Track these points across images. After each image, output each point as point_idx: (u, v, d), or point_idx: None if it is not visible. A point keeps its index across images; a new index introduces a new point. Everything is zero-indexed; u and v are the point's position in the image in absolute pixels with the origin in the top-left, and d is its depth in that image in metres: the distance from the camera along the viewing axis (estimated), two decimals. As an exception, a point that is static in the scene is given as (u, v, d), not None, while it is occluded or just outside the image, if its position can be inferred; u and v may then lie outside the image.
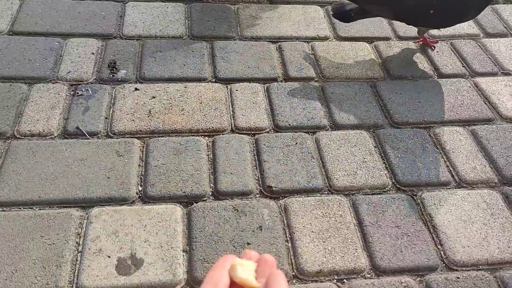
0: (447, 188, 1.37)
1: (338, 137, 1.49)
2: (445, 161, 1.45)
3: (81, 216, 1.21)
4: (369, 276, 1.16)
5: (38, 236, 1.16)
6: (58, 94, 1.53)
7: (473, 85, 1.74)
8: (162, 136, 1.44)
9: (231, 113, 1.54)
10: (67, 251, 1.14)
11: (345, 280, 1.14)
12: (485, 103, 1.66)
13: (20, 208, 1.22)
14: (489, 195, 1.36)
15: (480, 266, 1.19)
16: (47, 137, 1.40)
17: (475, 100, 1.67)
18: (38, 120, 1.44)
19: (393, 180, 1.38)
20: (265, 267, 0.47)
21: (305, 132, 1.51)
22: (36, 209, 1.22)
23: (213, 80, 1.66)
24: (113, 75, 1.62)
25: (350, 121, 1.55)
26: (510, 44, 1.94)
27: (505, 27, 2.03)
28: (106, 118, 1.48)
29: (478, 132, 1.55)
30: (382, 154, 1.45)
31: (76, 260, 1.12)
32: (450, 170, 1.42)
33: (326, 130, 1.52)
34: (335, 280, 1.14)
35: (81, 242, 1.16)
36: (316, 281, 1.14)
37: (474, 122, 1.59)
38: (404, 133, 1.53)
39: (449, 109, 1.63)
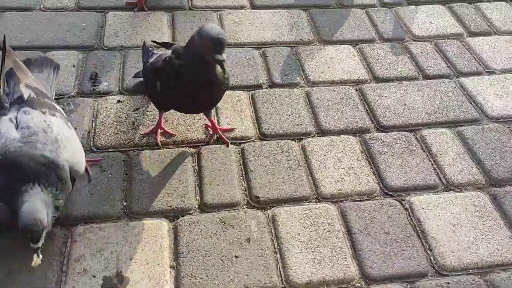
0: (435, 192, 1.37)
1: (325, 143, 1.48)
2: (432, 164, 1.44)
3: (64, 235, 1.19)
4: (359, 285, 1.14)
5: (20, 258, 1.13)
6: (39, 109, 1.50)
7: (458, 85, 1.74)
8: (147, 149, 1.42)
9: (216, 122, 1.52)
10: (50, 272, 1.11)
11: (335, 291, 1.13)
12: (471, 104, 1.66)
13: (0, 229, 1.19)
14: (477, 197, 1.35)
15: (470, 270, 1.18)
16: (28, 155, 1.37)
17: (461, 101, 1.67)
18: (18, 137, 1.41)
19: (381, 186, 1.37)
20: None
21: (291, 139, 1.49)
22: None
23: (197, 89, 1.64)
24: (94, 88, 1.60)
25: (336, 126, 1.54)
26: (494, 42, 1.95)
27: (488, 26, 2.03)
28: (88, 132, 1.45)
29: (465, 133, 1.55)
30: (369, 159, 1.44)
31: (61, 281, 1.10)
32: (438, 173, 1.42)
33: (312, 137, 1.51)
34: (325, 291, 1.13)
35: (65, 262, 1.13)
36: (306, 292, 1.13)
37: (460, 123, 1.59)
38: (391, 136, 1.52)
39: (435, 110, 1.62)
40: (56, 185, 1.06)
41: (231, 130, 1.49)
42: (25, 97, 1.16)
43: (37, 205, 1.01)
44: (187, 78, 1.22)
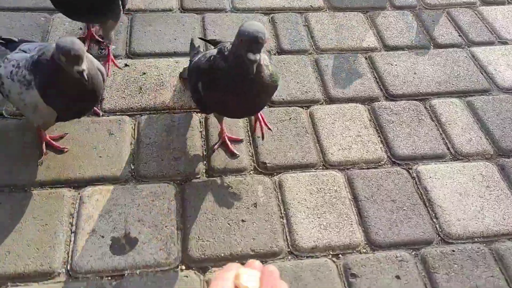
0: (442, 161, 1.36)
1: (333, 111, 1.47)
2: (441, 134, 1.43)
3: (73, 196, 1.20)
4: (364, 251, 1.16)
5: (30, 217, 1.14)
6: (46, 72, 1.49)
7: (470, 55, 1.71)
8: (154, 113, 1.42)
9: (224, 88, 1.51)
10: (60, 232, 1.12)
11: (340, 256, 1.14)
12: (482, 74, 1.64)
13: (12, 189, 1.20)
14: (485, 167, 1.35)
15: (476, 239, 1.19)
16: (36, 117, 1.37)
17: (472, 71, 1.64)
18: (26, 99, 1.41)
19: (389, 154, 1.37)
20: (269, 277, 0.48)
21: (299, 106, 1.48)
22: (28, 191, 1.20)
23: (205, 54, 1.62)
24: (102, 51, 1.58)
25: (345, 94, 1.53)
26: (507, 12, 1.90)
27: (503, -6, 1.98)
28: (96, 95, 1.44)
29: (475, 103, 1.53)
30: (377, 128, 1.44)
31: (70, 240, 1.11)
32: (446, 142, 1.41)
33: (320, 104, 1.49)
34: (330, 256, 1.14)
35: (74, 223, 1.15)
36: (311, 256, 1.14)
37: (470, 93, 1.57)
38: (400, 105, 1.51)
39: (445, 80, 1.60)
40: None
41: None
42: (16, 40, 1.25)
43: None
44: (231, 80, 1.08)
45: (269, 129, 1.38)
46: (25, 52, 1.16)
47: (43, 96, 1.10)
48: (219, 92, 1.12)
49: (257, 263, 0.51)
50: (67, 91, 1.09)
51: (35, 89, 1.10)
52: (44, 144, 1.27)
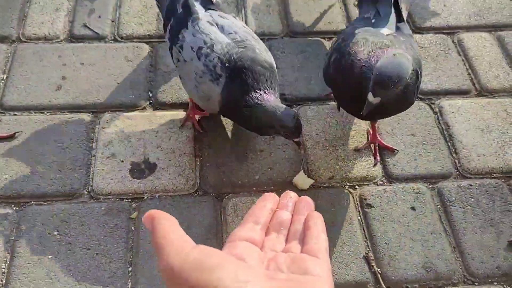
0: (467, 97, 1.33)
1: (356, 42, 1.42)
2: (467, 69, 1.38)
3: (92, 121, 1.21)
4: (381, 183, 1.16)
5: (51, 140, 1.16)
6: (62, -4, 1.46)
7: (504, -13, 1.61)
8: (172, 41, 1.39)
9: (244, 17, 1.46)
10: (81, 155, 1.14)
11: (357, 187, 1.15)
12: (515, 7, 1.55)
13: (31, 113, 1.21)
14: (510, 104, 1.31)
15: (494, 174, 1.18)
16: (53, 41, 1.35)
17: (504, 4, 1.55)
18: (42, 23, 1.38)
19: (411, 88, 1.33)
20: (304, 207, 0.49)
21: (322, 37, 1.43)
22: (48, 114, 1.21)
23: (224, -20, 1.56)
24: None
25: (369, 25, 1.47)
26: None
27: None
28: (112, 21, 1.41)
29: (505, 38, 1.46)
30: (401, 61, 1.39)
31: (90, 163, 1.13)
32: (472, 78, 1.36)
33: (343, 35, 1.44)
34: (347, 187, 1.14)
35: (94, 147, 1.16)
36: (328, 186, 1.14)
37: (501, 27, 1.49)
38: (426, 39, 1.45)
39: (476, 13, 1.52)
40: (275, 89, 1.03)
41: None
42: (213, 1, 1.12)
43: (276, 105, 1.01)
44: None
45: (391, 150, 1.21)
46: (221, 29, 1.05)
47: (221, 102, 1.04)
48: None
49: (292, 193, 0.51)
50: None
51: (220, 88, 1.01)
52: (192, 120, 1.21)
